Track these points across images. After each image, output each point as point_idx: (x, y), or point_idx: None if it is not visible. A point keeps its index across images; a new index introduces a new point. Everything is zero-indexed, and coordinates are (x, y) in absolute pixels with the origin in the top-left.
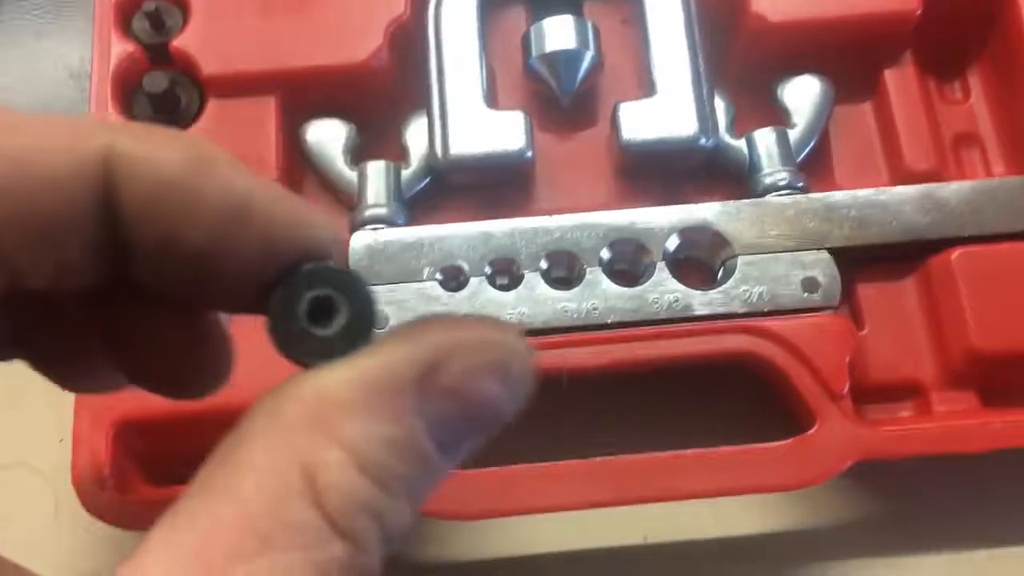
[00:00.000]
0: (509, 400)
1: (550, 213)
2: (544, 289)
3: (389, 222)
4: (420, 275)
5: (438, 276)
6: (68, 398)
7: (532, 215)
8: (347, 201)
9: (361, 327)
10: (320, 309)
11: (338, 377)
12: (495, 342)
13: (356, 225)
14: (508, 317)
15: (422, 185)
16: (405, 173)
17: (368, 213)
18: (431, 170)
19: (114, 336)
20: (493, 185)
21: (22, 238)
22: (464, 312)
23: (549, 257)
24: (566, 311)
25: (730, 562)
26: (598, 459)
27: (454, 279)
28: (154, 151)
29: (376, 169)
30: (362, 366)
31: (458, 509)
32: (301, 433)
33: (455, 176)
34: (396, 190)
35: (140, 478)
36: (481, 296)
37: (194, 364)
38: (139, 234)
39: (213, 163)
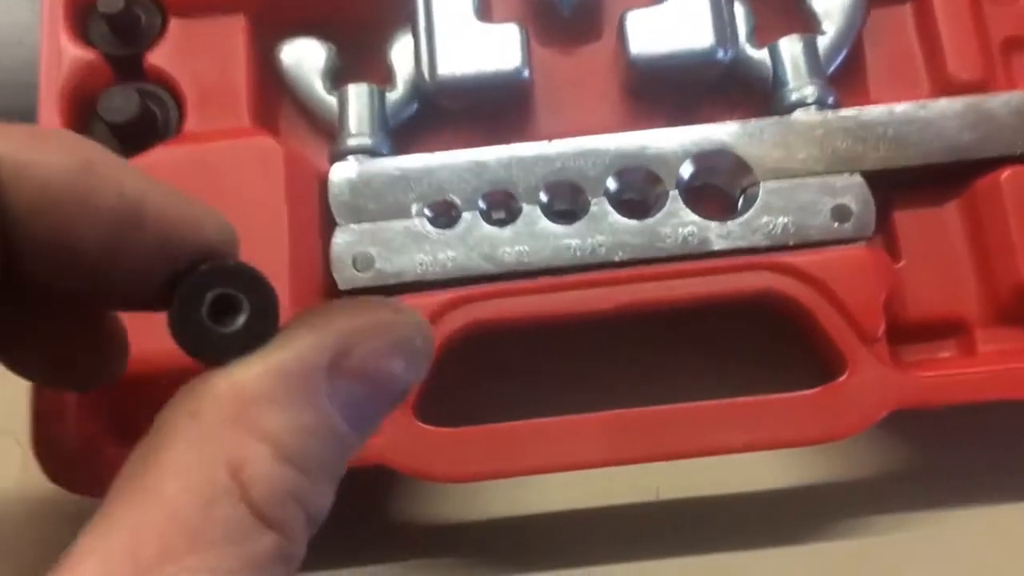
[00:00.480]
0: (413, 375)
1: (550, 139)
2: (545, 224)
3: (373, 152)
4: (408, 211)
5: (427, 212)
6: None
7: (530, 141)
8: (326, 129)
9: (264, 323)
10: (222, 307)
11: (253, 371)
12: (396, 322)
13: (336, 156)
14: (505, 255)
15: (409, 111)
16: (390, 97)
17: (350, 143)
18: (418, 94)
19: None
20: (487, 109)
21: None
22: (456, 252)
23: (549, 188)
24: (569, 248)
25: (750, 521)
26: (605, 413)
27: (445, 215)
28: (38, 156)
29: (358, 93)
30: (274, 358)
31: (455, 470)
32: (223, 431)
33: (445, 100)
34: (380, 117)
35: (110, 441)
36: (475, 233)
37: (86, 359)
38: (28, 238)
39: (102, 166)
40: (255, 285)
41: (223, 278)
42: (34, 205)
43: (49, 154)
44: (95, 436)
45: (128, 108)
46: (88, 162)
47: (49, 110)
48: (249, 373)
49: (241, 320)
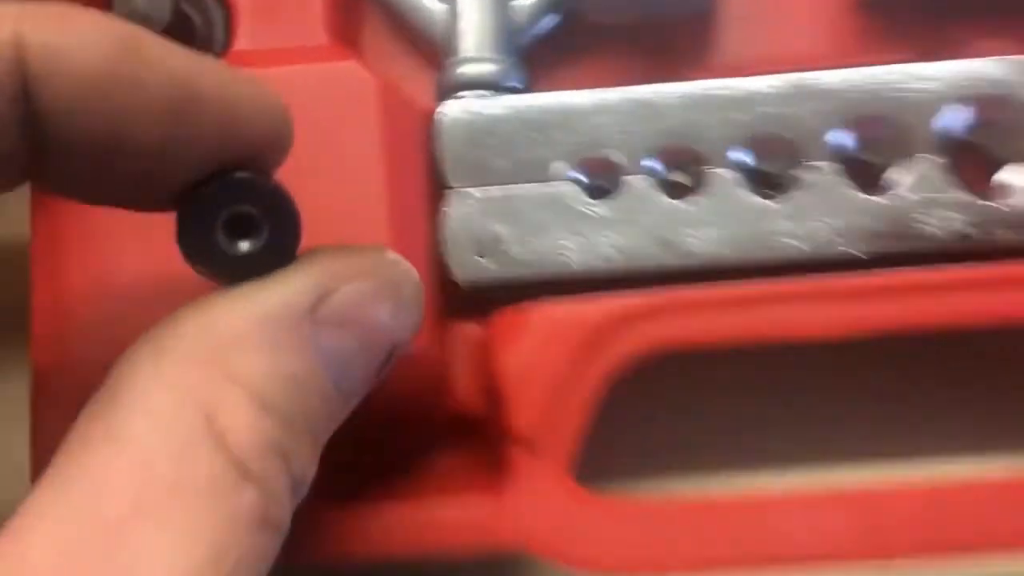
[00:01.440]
0: (402, 326)
1: (744, 72)
2: (744, 196)
3: (497, 86)
4: (547, 171)
5: (577, 174)
6: None
7: (718, 75)
8: (430, 51)
9: (281, 250)
10: (238, 224)
11: (230, 309)
12: (384, 263)
13: (446, 90)
14: (691, 242)
15: (545, 26)
16: (519, 6)
17: (465, 71)
18: (559, 2)
19: None
20: (656, 27)
21: None
22: (621, 234)
23: (751, 144)
24: (782, 235)
25: None
26: (829, 479)
27: (602, 178)
28: (75, 38)
29: (476, 1)
30: (254, 297)
31: (596, 554)
32: (195, 370)
33: (599, 12)
34: (506, 34)
35: None
36: (647, 207)
37: None
38: (68, 137)
39: (146, 45)
40: (281, 207)
41: (248, 192)
42: (77, 98)
43: (84, 35)
44: None
45: (157, 10)
46: (130, 40)
47: None
48: (227, 310)
49: (256, 243)
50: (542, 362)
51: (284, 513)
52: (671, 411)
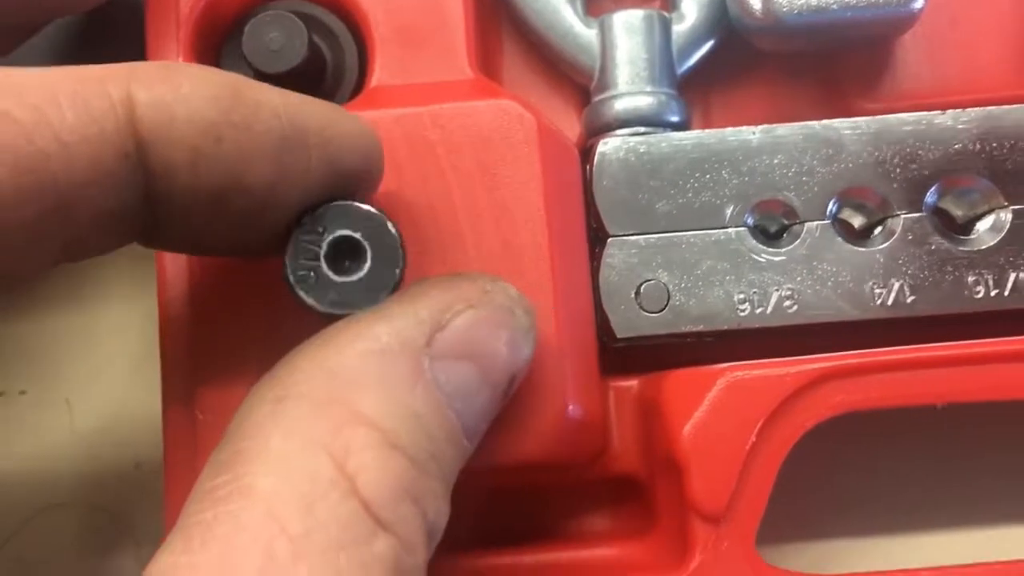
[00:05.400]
0: (519, 353)
1: (930, 106)
2: (939, 242)
3: (655, 121)
4: (720, 217)
5: (750, 219)
6: None
7: (893, 107)
8: (579, 78)
9: (385, 277)
10: (341, 253)
11: (344, 347)
12: (494, 290)
13: (598, 126)
14: (876, 293)
15: (699, 51)
16: (677, 30)
17: (620, 105)
18: (719, 24)
19: None
20: (826, 54)
21: (30, 218)
22: (800, 285)
23: (943, 187)
24: (977, 286)
25: None
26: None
27: (774, 222)
28: (183, 92)
29: (630, 25)
30: (366, 333)
31: None
32: (317, 412)
33: (768, 39)
34: (666, 64)
35: None
36: (826, 253)
37: None
38: (184, 188)
39: (247, 89)
40: (381, 232)
41: (347, 220)
42: (187, 148)
43: (192, 88)
44: None
45: (290, 47)
46: (233, 87)
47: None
48: (337, 350)
49: (361, 270)
50: (730, 431)
51: (418, 562)
52: (828, 468)
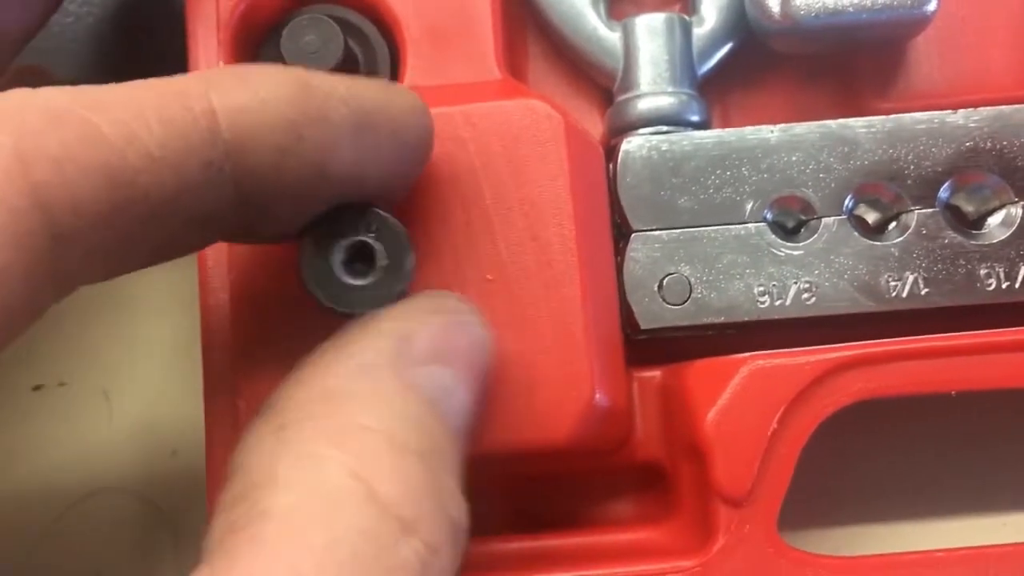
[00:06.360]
0: (480, 349)
1: (942, 105)
2: (952, 237)
3: (677, 120)
4: (740, 212)
5: (769, 214)
6: None
7: (908, 106)
8: (601, 79)
9: (396, 279)
10: (356, 255)
11: (327, 368)
12: (444, 300)
13: (621, 125)
14: (891, 286)
15: (718, 52)
16: (698, 33)
17: (642, 105)
18: (738, 27)
19: None
20: (842, 56)
21: (123, 229)
22: (817, 277)
23: (956, 183)
24: (989, 277)
25: None
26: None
27: (792, 217)
28: (259, 92)
29: (652, 28)
30: (341, 353)
31: None
32: (323, 433)
33: (785, 41)
34: (687, 65)
35: None
36: (843, 247)
37: None
38: (273, 184)
39: (316, 80)
40: (395, 237)
41: (361, 223)
42: (272, 147)
43: (267, 88)
44: None
45: (328, 48)
46: (303, 80)
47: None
48: (320, 372)
49: (374, 273)
50: (752, 417)
51: (444, 564)
52: (848, 456)
